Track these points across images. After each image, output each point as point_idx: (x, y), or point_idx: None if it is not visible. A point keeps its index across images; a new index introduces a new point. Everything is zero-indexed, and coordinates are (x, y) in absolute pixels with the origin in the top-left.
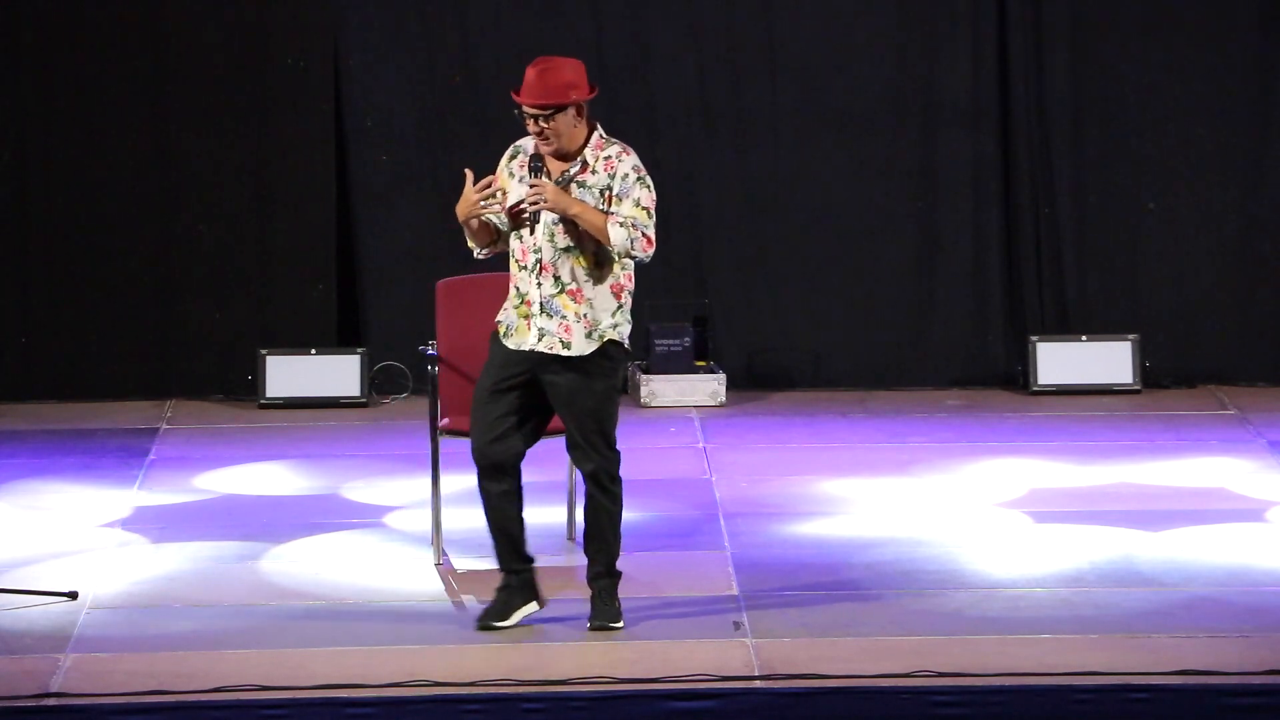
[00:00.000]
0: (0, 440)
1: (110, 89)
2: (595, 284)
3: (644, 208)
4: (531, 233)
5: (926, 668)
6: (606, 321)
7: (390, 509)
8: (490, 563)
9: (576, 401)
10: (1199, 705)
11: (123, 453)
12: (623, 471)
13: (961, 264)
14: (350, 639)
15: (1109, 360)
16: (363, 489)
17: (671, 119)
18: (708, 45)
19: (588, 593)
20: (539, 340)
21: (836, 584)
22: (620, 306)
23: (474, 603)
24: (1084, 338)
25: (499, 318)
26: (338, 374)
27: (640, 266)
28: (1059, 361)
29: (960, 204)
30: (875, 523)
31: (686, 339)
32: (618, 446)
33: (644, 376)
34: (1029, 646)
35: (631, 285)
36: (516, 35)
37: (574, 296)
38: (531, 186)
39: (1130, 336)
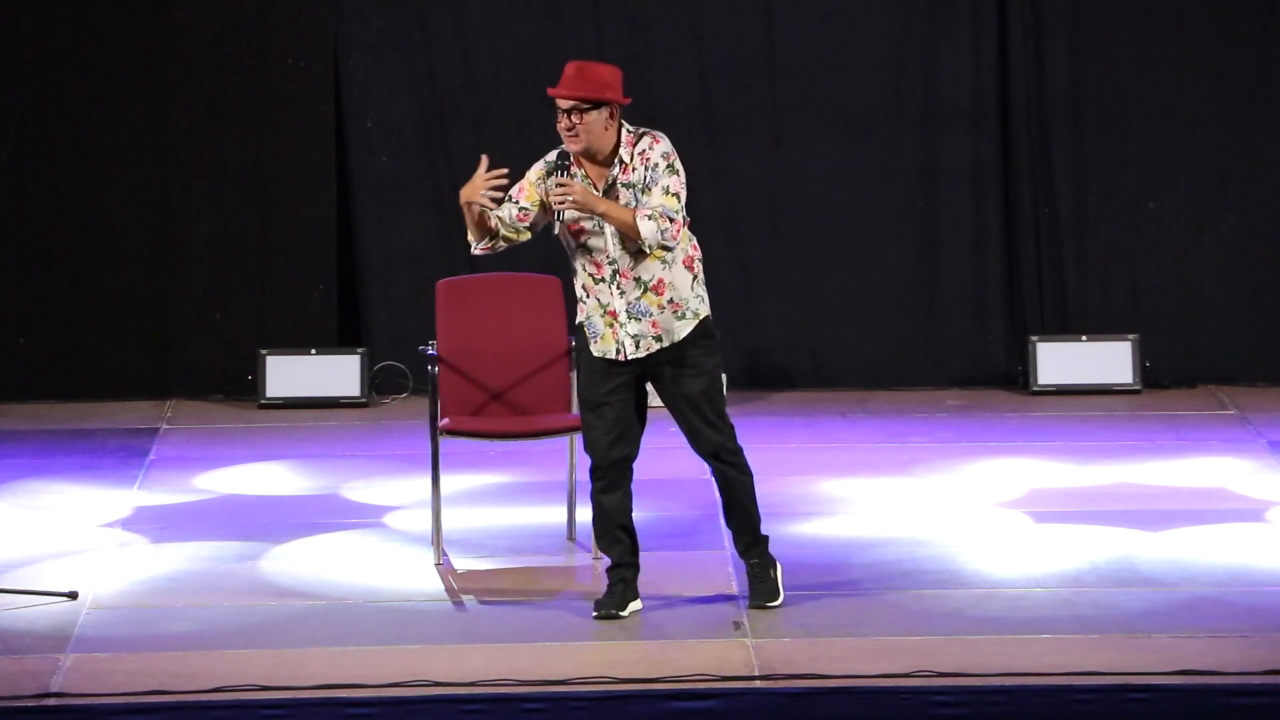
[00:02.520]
0: (0, 440)
1: (110, 88)
2: (671, 267)
3: (674, 194)
4: (579, 242)
5: (926, 668)
6: (690, 297)
7: (390, 509)
8: (490, 563)
9: (685, 388)
10: (1199, 705)
11: (123, 453)
12: None
13: (961, 264)
14: (350, 639)
15: (1109, 360)
16: (363, 489)
17: (672, 119)
18: (708, 46)
19: (587, 593)
20: (636, 347)
21: (836, 584)
22: (695, 277)
23: (474, 603)
24: (1084, 338)
25: (581, 319)
26: (338, 374)
27: None
28: (1059, 361)
29: (960, 204)
30: (875, 523)
31: None
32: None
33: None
34: (1029, 646)
35: (699, 254)
36: (516, 36)
37: (657, 290)
38: (558, 185)
39: (1130, 336)
